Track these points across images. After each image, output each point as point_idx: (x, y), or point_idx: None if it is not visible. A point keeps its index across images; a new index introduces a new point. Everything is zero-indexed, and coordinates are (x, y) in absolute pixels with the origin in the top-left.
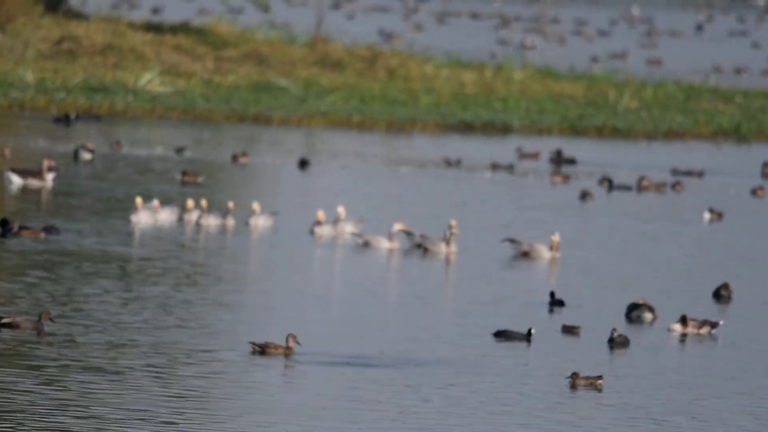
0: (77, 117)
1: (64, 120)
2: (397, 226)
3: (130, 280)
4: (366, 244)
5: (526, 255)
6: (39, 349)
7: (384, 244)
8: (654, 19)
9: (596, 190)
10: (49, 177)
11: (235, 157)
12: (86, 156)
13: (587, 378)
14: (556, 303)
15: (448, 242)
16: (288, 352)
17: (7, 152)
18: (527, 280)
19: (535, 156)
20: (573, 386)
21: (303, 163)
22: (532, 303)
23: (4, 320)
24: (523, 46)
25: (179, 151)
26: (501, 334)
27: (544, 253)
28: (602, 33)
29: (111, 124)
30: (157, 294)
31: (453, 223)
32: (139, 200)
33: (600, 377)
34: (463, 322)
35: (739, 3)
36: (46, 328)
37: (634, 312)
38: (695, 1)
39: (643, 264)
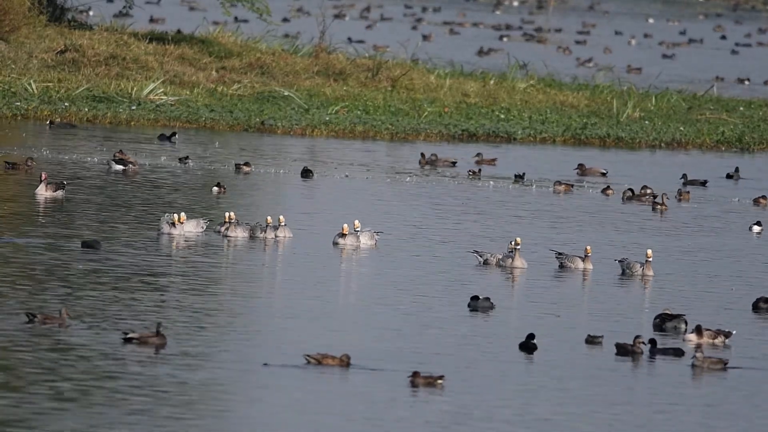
0: (51, 123)
1: (168, 138)
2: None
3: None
4: (486, 263)
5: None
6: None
7: (503, 262)
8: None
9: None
10: (42, 186)
11: (238, 167)
12: (117, 167)
13: (427, 377)
14: (478, 308)
15: (584, 259)
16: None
17: (44, 175)
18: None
19: (493, 162)
20: (414, 385)
21: (306, 173)
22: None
23: (131, 335)
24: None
25: (182, 160)
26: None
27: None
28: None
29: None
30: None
31: (588, 248)
32: (176, 216)
33: (441, 377)
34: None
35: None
36: (168, 343)
37: (669, 323)
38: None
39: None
